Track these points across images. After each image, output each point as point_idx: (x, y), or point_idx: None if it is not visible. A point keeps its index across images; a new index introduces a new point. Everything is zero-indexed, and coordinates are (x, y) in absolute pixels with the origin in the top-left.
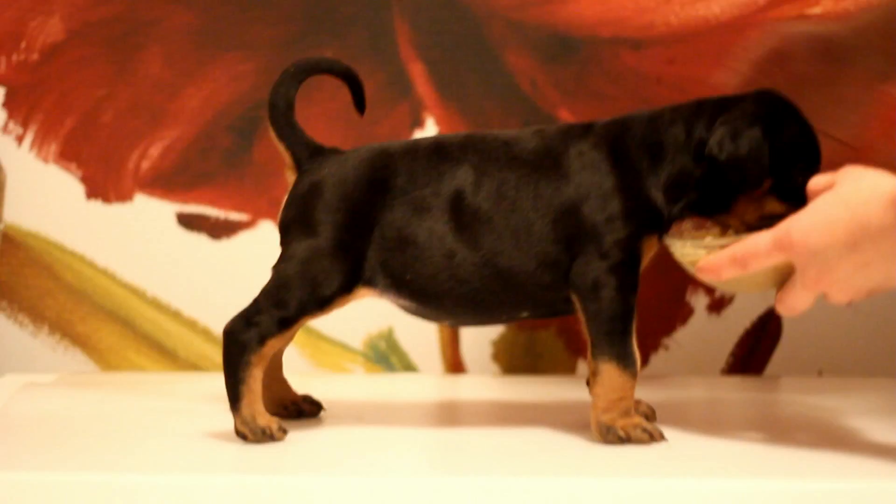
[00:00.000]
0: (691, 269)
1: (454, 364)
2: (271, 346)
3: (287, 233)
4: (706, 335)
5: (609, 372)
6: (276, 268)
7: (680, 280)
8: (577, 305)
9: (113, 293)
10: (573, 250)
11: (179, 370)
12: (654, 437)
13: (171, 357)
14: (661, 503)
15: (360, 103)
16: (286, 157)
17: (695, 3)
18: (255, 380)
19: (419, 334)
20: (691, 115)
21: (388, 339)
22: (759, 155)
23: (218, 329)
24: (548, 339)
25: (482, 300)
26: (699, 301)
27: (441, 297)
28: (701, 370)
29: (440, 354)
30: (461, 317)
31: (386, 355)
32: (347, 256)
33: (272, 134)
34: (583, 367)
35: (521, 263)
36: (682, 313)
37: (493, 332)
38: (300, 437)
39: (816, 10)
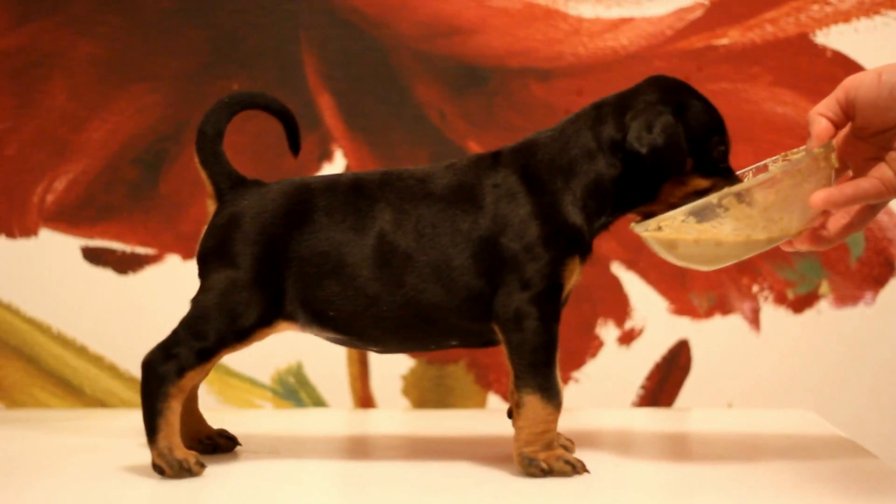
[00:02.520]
0: (661, 249)
1: (364, 398)
2: (190, 378)
3: (205, 263)
4: (616, 368)
5: (532, 404)
6: (194, 299)
7: (590, 312)
8: (500, 337)
9: (17, 329)
10: (495, 281)
11: (86, 406)
12: (576, 469)
13: (77, 393)
14: None
15: (294, 143)
16: (208, 186)
17: (603, 34)
18: (172, 412)
19: (328, 369)
20: (594, 120)
21: (297, 373)
22: (677, 139)
23: (125, 365)
24: (458, 373)
25: (408, 333)
26: (609, 334)
27: (366, 330)
28: (612, 403)
29: (350, 389)
30: (389, 346)
31: (295, 390)
32: (266, 289)
33: (196, 160)
34: (494, 400)
35: (444, 299)
36: (593, 346)
37: (403, 366)
38: (217, 472)
39: (724, 40)
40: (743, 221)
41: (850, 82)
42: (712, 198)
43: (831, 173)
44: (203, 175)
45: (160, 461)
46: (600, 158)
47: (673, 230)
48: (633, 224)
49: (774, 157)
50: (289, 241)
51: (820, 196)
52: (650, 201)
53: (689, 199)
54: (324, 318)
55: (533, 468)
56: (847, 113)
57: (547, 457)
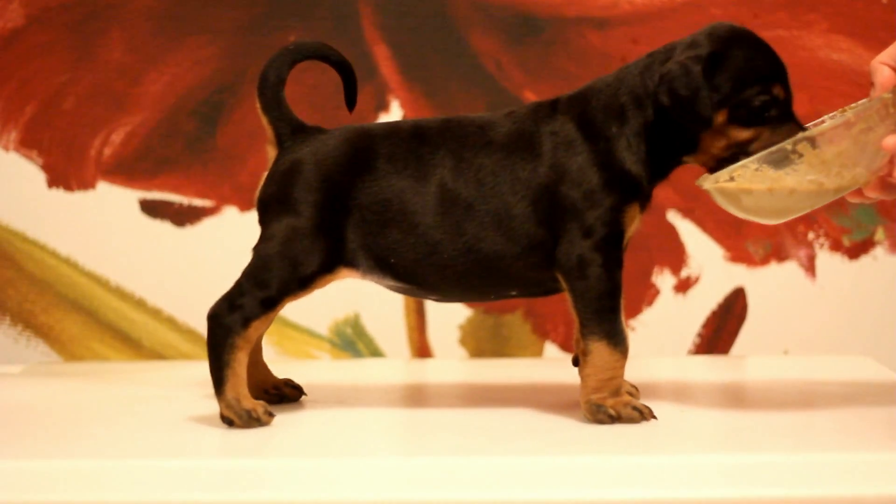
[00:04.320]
0: (729, 199)
1: (421, 349)
2: (255, 328)
3: (266, 211)
4: (673, 316)
5: (599, 351)
6: (256, 248)
7: (646, 261)
8: (564, 285)
9: (76, 282)
10: (556, 230)
11: (144, 359)
12: (644, 415)
13: (135, 346)
14: (659, 479)
15: (351, 97)
16: (269, 133)
17: None
18: (239, 363)
19: (385, 320)
20: (644, 67)
21: (355, 325)
22: (701, 93)
23: (183, 317)
24: (514, 323)
25: (469, 282)
26: (665, 282)
27: (427, 278)
28: (668, 351)
29: (407, 339)
30: (449, 295)
31: (353, 341)
32: (328, 236)
33: (258, 106)
34: (551, 349)
35: (504, 248)
36: (649, 294)
37: (460, 315)
38: (284, 420)
39: None
40: (817, 168)
41: None
42: (786, 144)
43: (894, 122)
44: (264, 121)
45: (228, 412)
46: (647, 105)
47: (746, 179)
48: (700, 179)
49: (832, 113)
50: (350, 187)
51: (893, 139)
52: (692, 152)
53: (732, 149)
54: (384, 266)
55: (601, 415)
56: None
57: (615, 403)
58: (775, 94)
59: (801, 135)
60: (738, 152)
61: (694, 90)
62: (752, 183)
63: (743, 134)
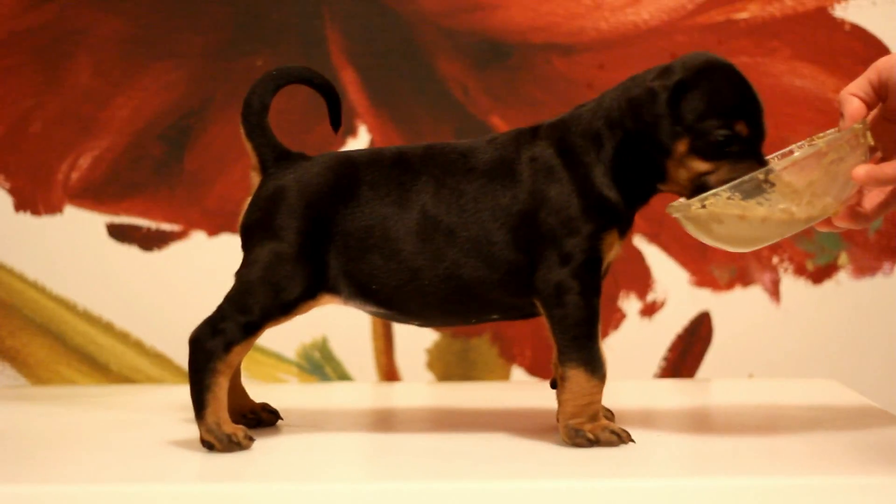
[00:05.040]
0: (702, 228)
1: (389, 372)
2: (237, 352)
3: (249, 236)
4: (639, 339)
5: (577, 377)
6: (238, 273)
7: (612, 285)
8: (542, 311)
9: (43, 306)
10: (535, 256)
11: (112, 383)
12: (622, 438)
13: (103, 370)
14: (639, 502)
15: (335, 119)
16: (252, 159)
17: (624, 9)
18: (220, 388)
19: (353, 343)
20: (622, 91)
21: (322, 348)
22: (660, 121)
23: (150, 341)
24: (481, 347)
25: (450, 307)
26: (631, 306)
27: (408, 304)
28: (634, 374)
29: (374, 363)
30: (430, 320)
31: (320, 365)
32: (310, 262)
33: (242, 132)
34: (517, 373)
35: (484, 274)
36: (615, 318)
37: (427, 339)
38: (264, 445)
39: (744, 14)
40: (788, 197)
41: (884, 63)
42: (758, 173)
43: (867, 151)
44: (248, 147)
45: (209, 436)
46: (618, 129)
47: (718, 207)
48: (670, 205)
49: (800, 143)
50: (333, 214)
51: (863, 170)
52: (662, 181)
53: (695, 181)
54: (367, 292)
55: (579, 438)
56: (879, 94)
57: (593, 427)
58: (737, 131)
59: (773, 164)
60: (702, 185)
61: (656, 116)
62: (724, 210)
63: (702, 166)
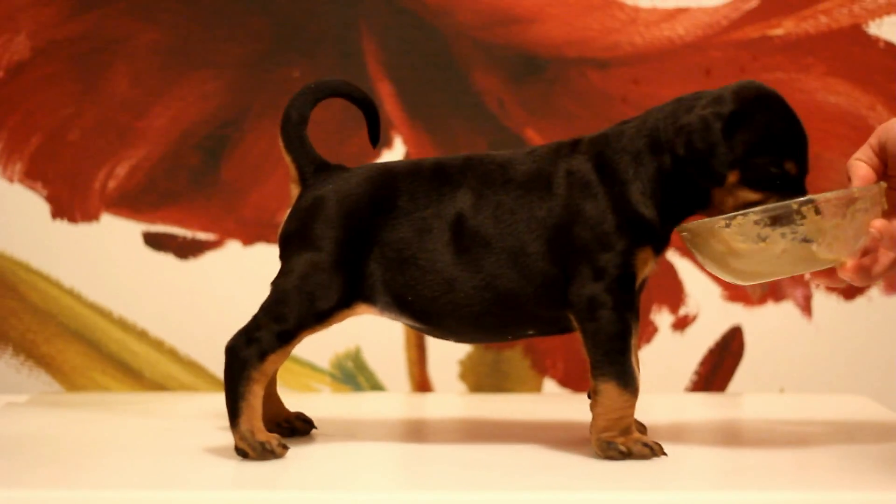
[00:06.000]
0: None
1: (421, 383)
2: (272, 361)
3: (287, 246)
4: (670, 353)
5: (609, 392)
6: (275, 282)
7: (645, 299)
8: (575, 325)
9: (78, 313)
10: (569, 270)
11: (145, 390)
12: (654, 451)
13: (136, 377)
14: None
15: (374, 133)
16: (291, 170)
17: (659, 24)
18: (255, 396)
19: (386, 353)
20: (669, 112)
21: (356, 358)
22: (718, 151)
23: (184, 349)
24: (514, 359)
25: (485, 321)
26: (663, 320)
27: (444, 317)
28: (666, 388)
29: (407, 373)
30: (466, 335)
31: (353, 375)
32: (346, 272)
33: (281, 145)
34: (549, 385)
35: (520, 286)
36: (647, 332)
37: (460, 351)
38: (298, 453)
39: (778, 31)
40: (813, 233)
41: (882, 127)
42: (792, 202)
43: (881, 211)
44: (287, 159)
45: (243, 444)
46: (664, 152)
47: (743, 227)
48: (685, 225)
49: (836, 191)
50: (371, 225)
51: (880, 223)
52: (704, 207)
53: (741, 209)
54: (402, 303)
55: (612, 451)
56: (881, 159)
57: (625, 441)
58: (786, 169)
59: (808, 197)
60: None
61: (710, 146)
62: (747, 234)
63: (752, 196)
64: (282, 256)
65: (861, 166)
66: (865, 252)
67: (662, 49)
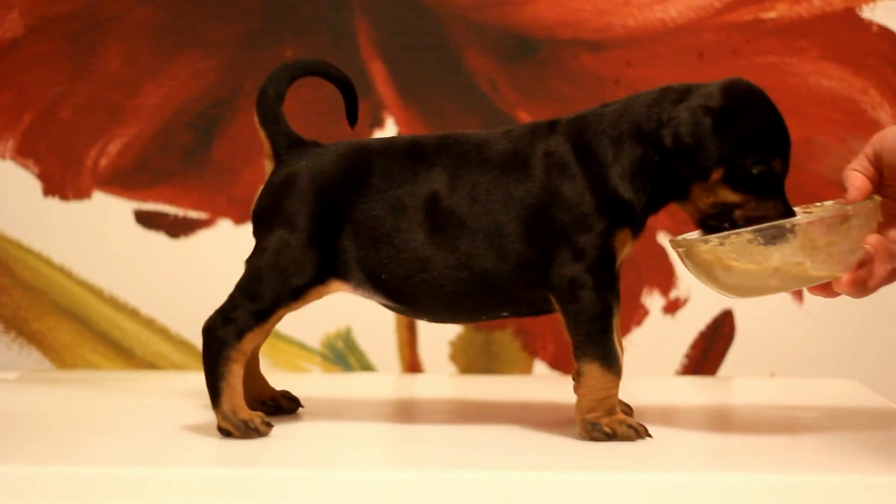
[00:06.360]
0: (711, 267)
1: (412, 364)
2: (249, 339)
3: (260, 223)
4: (661, 336)
5: (592, 372)
6: (249, 261)
7: (636, 281)
8: (556, 307)
9: (69, 291)
10: (547, 251)
11: (136, 369)
12: (639, 433)
13: (127, 356)
14: (653, 495)
15: (352, 114)
16: (266, 146)
17: (652, 5)
18: (234, 375)
19: (377, 334)
20: (654, 100)
21: (346, 338)
22: (706, 146)
23: (175, 328)
24: (504, 340)
25: (460, 301)
26: (654, 303)
27: (418, 296)
28: (656, 371)
29: (398, 354)
30: (439, 315)
31: (344, 355)
32: (320, 248)
33: (256, 121)
34: (540, 367)
35: (496, 266)
36: (638, 315)
37: (451, 332)
38: (282, 432)
39: (772, 14)
40: (807, 251)
41: (878, 137)
42: (785, 222)
43: (876, 226)
44: (262, 135)
45: (225, 424)
46: (647, 140)
47: (737, 247)
48: (676, 239)
49: (818, 203)
50: (345, 202)
51: (875, 238)
52: (682, 198)
53: (718, 208)
54: (376, 281)
55: (596, 433)
56: (876, 168)
57: (610, 421)
58: (773, 167)
59: (801, 216)
60: (723, 213)
61: (699, 140)
62: (741, 253)
63: (731, 196)
64: (255, 234)
65: (857, 176)
66: (861, 264)
67: (655, 31)
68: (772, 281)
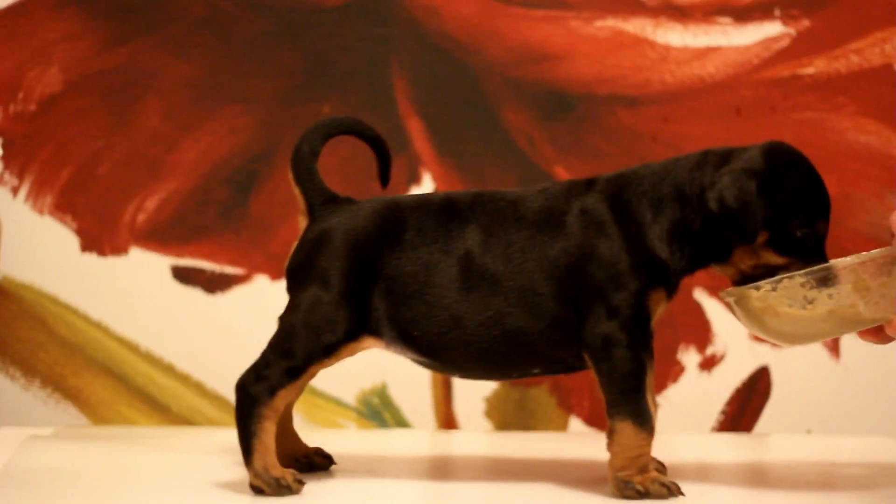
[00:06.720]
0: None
1: (447, 420)
2: (282, 397)
3: (294, 279)
4: (697, 393)
5: (625, 430)
6: (281, 318)
7: (672, 338)
8: (590, 364)
9: (106, 346)
10: (581, 309)
11: (172, 424)
12: (672, 491)
13: (163, 411)
14: None
15: (384, 173)
16: (300, 203)
17: (690, 62)
18: (266, 433)
19: (412, 390)
20: (696, 164)
21: (382, 394)
22: (752, 209)
23: (211, 383)
24: (540, 397)
25: (492, 358)
26: (690, 359)
27: (450, 353)
28: (693, 427)
29: (433, 410)
30: (471, 372)
31: (379, 411)
32: (353, 305)
33: (290, 177)
34: (575, 423)
35: (529, 324)
36: (674, 371)
37: (486, 388)
38: (315, 489)
39: (809, 70)
40: (860, 293)
41: None
42: (836, 262)
43: None
44: (296, 192)
45: (257, 481)
46: (688, 203)
47: (789, 291)
48: (728, 290)
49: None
50: (378, 258)
51: None
52: (723, 261)
53: (759, 270)
54: (408, 338)
55: (629, 491)
56: None
57: (642, 479)
58: (816, 229)
59: (852, 257)
60: (765, 275)
61: (744, 204)
62: (792, 299)
63: (775, 259)
64: (289, 290)
65: None
66: None
67: (693, 87)
68: (825, 325)
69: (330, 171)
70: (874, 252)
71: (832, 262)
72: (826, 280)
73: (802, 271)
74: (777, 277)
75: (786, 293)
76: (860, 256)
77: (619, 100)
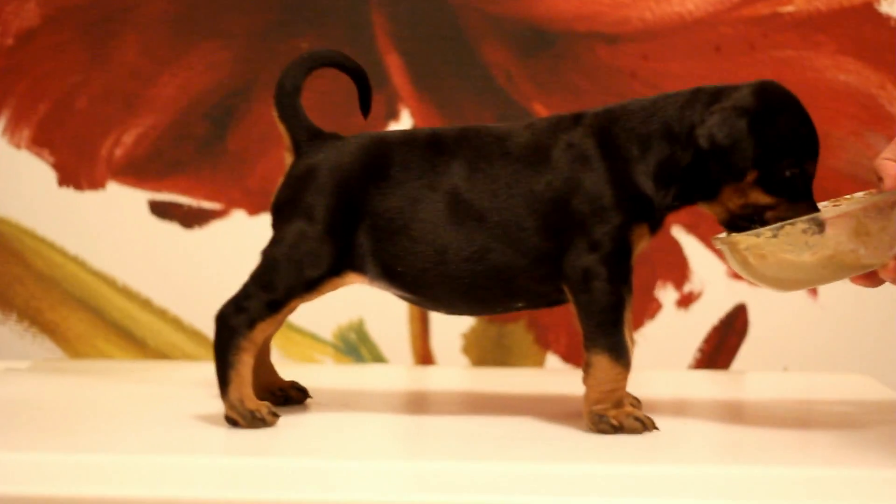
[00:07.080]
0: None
1: (424, 356)
2: (261, 329)
3: (279, 214)
4: (674, 330)
5: (601, 363)
6: (265, 251)
7: (649, 275)
8: (569, 297)
9: (83, 281)
10: (564, 242)
11: (148, 359)
12: (646, 426)
13: (140, 346)
14: (660, 488)
15: (365, 104)
16: (285, 139)
17: None
18: (244, 364)
19: (389, 326)
20: (686, 101)
21: (359, 330)
22: (742, 147)
23: (188, 318)
24: (517, 333)
25: (476, 294)
26: (668, 296)
27: (434, 289)
28: (669, 364)
29: (410, 346)
30: (455, 307)
31: (356, 346)
32: (337, 241)
33: (274, 114)
34: (552, 360)
35: (513, 259)
36: (651, 308)
37: (463, 324)
38: (290, 422)
39: (789, 8)
40: (861, 237)
41: None
42: (837, 208)
43: None
44: (281, 128)
45: (232, 413)
46: (677, 140)
47: (791, 237)
48: (720, 237)
49: (824, 203)
50: (363, 194)
51: None
52: (711, 199)
53: (746, 210)
54: (392, 274)
55: (603, 424)
56: None
57: (617, 414)
58: (806, 170)
59: (850, 202)
60: (752, 214)
61: (735, 142)
62: (794, 244)
63: (764, 199)
64: (274, 225)
65: (891, 165)
66: None
67: (673, 25)
68: (823, 271)
69: (308, 107)
70: (875, 196)
71: (832, 207)
72: (827, 225)
73: (804, 217)
74: (778, 224)
75: (787, 239)
76: (861, 201)
77: (598, 37)
